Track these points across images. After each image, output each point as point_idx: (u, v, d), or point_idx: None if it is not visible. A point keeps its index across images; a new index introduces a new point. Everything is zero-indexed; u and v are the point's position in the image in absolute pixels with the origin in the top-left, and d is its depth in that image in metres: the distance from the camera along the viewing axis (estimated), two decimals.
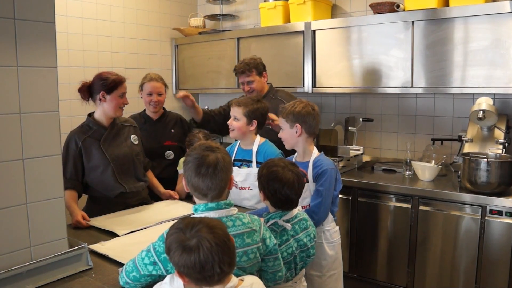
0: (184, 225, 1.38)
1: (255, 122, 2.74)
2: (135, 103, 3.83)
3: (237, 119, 2.75)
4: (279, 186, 1.97)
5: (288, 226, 1.98)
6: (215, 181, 1.67)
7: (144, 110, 3.42)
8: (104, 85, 2.64)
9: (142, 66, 4.74)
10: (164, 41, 5.04)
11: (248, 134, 2.78)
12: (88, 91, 2.69)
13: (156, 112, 3.37)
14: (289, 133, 2.49)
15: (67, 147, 2.68)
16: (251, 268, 1.72)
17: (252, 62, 3.35)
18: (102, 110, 2.70)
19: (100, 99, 2.66)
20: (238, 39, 4.52)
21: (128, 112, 3.13)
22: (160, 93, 3.32)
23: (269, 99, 3.35)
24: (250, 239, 1.71)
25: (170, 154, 3.38)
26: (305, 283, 2.17)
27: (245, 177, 2.73)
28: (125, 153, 2.78)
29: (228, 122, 2.80)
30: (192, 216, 1.58)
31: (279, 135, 2.57)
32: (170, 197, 2.98)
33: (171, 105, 5.07)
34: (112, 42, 4.50)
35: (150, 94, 3.28)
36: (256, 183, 2.11)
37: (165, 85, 3.38)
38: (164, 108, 3.46)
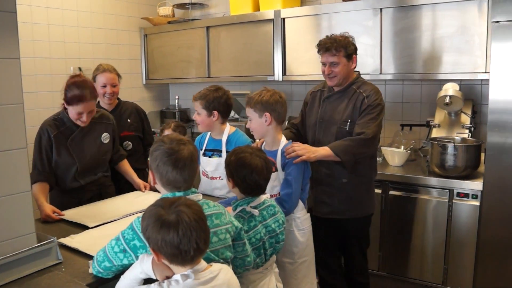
0: (163, 202, 1.45)
1: (215, 113, 2.72)
2: None
3: (198, 113, 2.75)
4: (248, 172, 1.99)
5: (256, 212, 2.01)
6: (192, 173, 1.73)
7: (98, 101, 3.28)
8: (65, 94, 2.56)
9: (111, 56, 4.66)
10: (132, 31, 4.96)
11: (214, 125, 2.77)
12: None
13: (110, 104, 3.29)
14: (259, 123, 2.47)
15: (40, 139, 2.63)
16: (224, 250, 1.74)
17: (343, 40, 2.67)
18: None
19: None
20: (207, 28, 4.49)
21: None
22: (114, 84, 3.23)
23: (351, 92, 2.73)
24: (219, 220, 1.75)
25: (128, 145, 3.32)
26: (276, 270, 2.19)
27: (216, 167, 2.73)
28: (91, 155, 2.75)
29: (193, 117, 2.80)
30: None
31: (247, 126, 2.54)
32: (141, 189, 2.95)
33: (141, 95, 5.03)
34: (79, 32, 4.40)
35: (104, 86, 3.19)
36: None
37: (119, 75, 3.30)
38: (118, 99, 3.38)
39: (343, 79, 2.71)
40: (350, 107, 2.69)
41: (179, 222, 1.37)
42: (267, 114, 2.43)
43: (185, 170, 1.69)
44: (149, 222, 1.41)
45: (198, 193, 1.79)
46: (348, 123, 2.67)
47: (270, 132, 2.49)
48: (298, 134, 2.95)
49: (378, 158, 3.61)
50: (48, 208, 2.43)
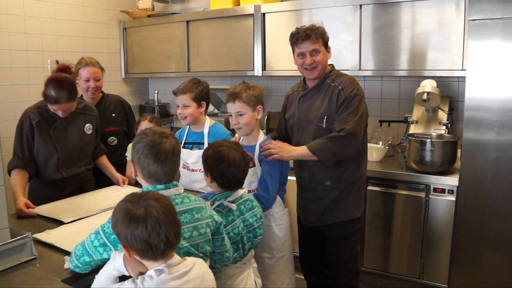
0: (132, 197, 1.44)
1: (204, 104, 2.76)
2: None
3: (186, 106, 2.72)
4: (226, 165, 1.99)
5: (233, 206, 2.01)
6: (173, 167, 1.74)
7: (81, 96, 3.21)
8: (44, 90, 2.50)
9: (89, 49, 4.59)
10: (111, 24, 4.89)
11: (200, 117, 2.79)
12: None
13: (94, 98, 3.21)
14: (252, 116, 2.46)
15: (22, 125, 2.60)
16: (203, 244, 1.74)
17: (320, 28, 2.54)
18: None
19: None
20: (187, 22, 4.45)
21: None
22: (98, 78, 3.15)
23: (326, 86, 2.56)
24: (200, 214, 1.75)
25: (113, 140, 3.27)
26: (255, 265, 2.20)
27: (197, 159, 2.72)
28: (74, 145, 2.72)
29: (178, 112, 2.76)
30: None
31: (234, 121, 2.45)
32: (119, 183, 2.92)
33: (120, 89, 4.97)
34: (56, 25, 4.32)
35: (87, 80, 3.11)
36: None
37: (102, 69, 3.21)
38: (102, 92, 3.30)
39: (322, 70, 2.55)
40: (326, 102, 2.52)
41: (148, 217, 1.36)
42: (261, 106, 2.48)
43: (166, 163, 1.69)
44: (118, 217, 1.40)
45: (178, 185, 1.78)
46: (324, 120, 2.51)
47: (258, 125, 2.52)
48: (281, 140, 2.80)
49: None
50: (21, 202, 2.39)
